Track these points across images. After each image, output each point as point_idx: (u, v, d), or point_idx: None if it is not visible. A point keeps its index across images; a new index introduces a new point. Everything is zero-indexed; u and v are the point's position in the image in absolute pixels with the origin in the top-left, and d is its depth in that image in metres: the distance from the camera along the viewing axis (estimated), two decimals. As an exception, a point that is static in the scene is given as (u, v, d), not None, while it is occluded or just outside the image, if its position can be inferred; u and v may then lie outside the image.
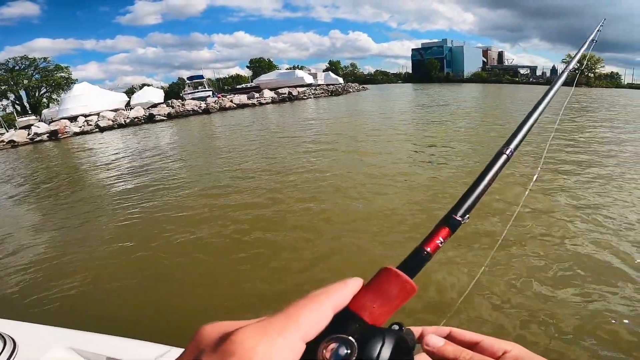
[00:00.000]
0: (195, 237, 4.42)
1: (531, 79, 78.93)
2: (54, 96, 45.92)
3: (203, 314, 2.88)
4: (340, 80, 60.15)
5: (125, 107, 32.69)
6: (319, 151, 8.96)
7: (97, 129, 24.64)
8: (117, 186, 7.73)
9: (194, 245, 4.23)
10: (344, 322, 0.25)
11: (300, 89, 37.76)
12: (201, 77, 43.49)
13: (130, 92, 43.77)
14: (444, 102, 23.41)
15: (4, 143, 23.30)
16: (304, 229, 4.38)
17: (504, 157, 0.41)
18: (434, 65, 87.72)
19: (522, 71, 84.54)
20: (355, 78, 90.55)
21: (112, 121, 25.69)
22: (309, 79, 44.75)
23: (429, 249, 0.32)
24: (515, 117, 13.25)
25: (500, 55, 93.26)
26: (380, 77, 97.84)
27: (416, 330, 0.34)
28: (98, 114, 27.45)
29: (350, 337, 0.24)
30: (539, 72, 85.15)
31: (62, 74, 47.94)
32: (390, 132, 11.59)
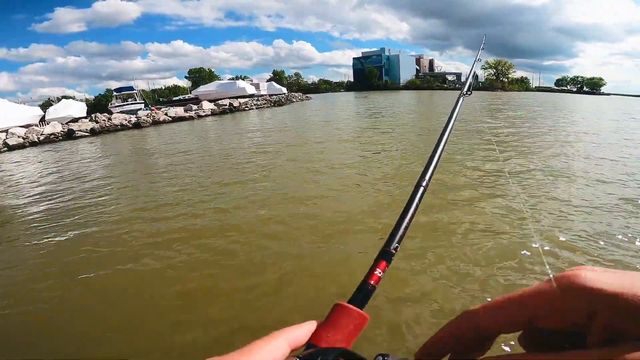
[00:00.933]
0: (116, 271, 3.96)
1: (457, 85, 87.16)
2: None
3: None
4: (284, 90, 60.40)
5: (40, 122, 29.14)
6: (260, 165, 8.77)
7: (5, 148, 21.56)
8: (28, 211, 6.70)
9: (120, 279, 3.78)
10: (304, 352, 0.29)
11: (242, 100, 37.08)
12: (131, 88, 40.45)
13: (47, 105, 39.09)
14: (381, 111, 24.69)
15: None
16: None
17: (421, 189, 0.46)
18: (373, 73, 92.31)
19: (449, 77, 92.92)
20: (300, 87, 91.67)
21: (23, 138, 22.67)
22: (251, 90, 44.19)
23: (372, 282, 0.35)
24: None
25: (431, 62, 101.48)
26: (324, 86, 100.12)
27: None
28: (6, 131, 24.05)
29: (294, 357, 0.27)
30: (463, 78, 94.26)
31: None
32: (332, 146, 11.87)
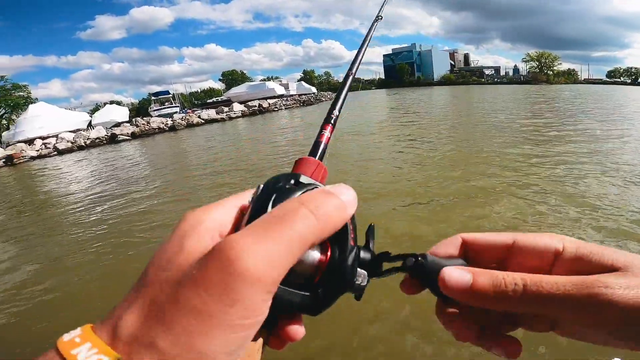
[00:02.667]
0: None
1: (496, 79, 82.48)
2: (14, 117, 43.57)
3: None
4: (313, 89, 60.57)
5: (88, 127, 31.46)
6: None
7: (55, 152, 23.52)
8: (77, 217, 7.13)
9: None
10: None
11: (271, 101, 37.62)
12: (167, 92, 42.50)
13: (96, 110, 42.13)
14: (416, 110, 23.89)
15: (-48, 172, 21.85)
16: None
17: (350, 78, 0.53)
18: (405, 70, 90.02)
19: (487, 72, 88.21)
20: (330, 86, 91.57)
21: (72, 143, 24.60)
22: (280, 90, 44.76)
23: (323, 141, 0.40)
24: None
25: (466, 57, 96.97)
26: (355, 85, 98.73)
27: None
28: (56, 136, 26.23)
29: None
30: (502, 72, 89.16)
31: (20, 94, 45.66)
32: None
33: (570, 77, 77.36)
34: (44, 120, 28.40)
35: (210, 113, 31.36)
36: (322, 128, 0.43)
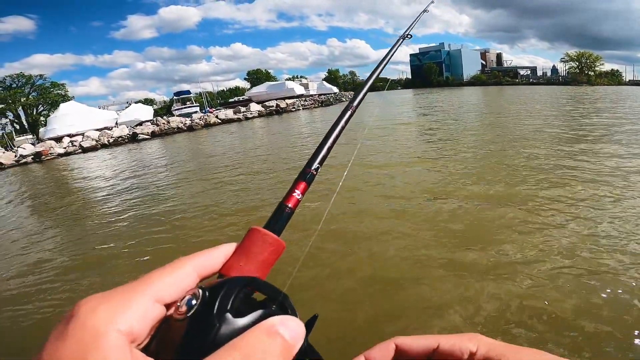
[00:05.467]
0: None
1: (532, 80, 77.90)
2: (51, 114, 46.66)
3: None
4: (335, 89, 60.08)
5: (116, 125, 32.94)
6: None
7: (80, 150, 24.77)
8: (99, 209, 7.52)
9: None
10: (210, 282, 0.26)
11: (289, 101, 37.61)
12: (188, 92, 43.72)
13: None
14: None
15: (-10, 165, 23.60)
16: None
17: (349, 112, 0.46)
18: (432, 69, 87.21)
19: (522, 72, 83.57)
20: (355, 86, 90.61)
21: (96, 141, 25.81)
22: (299, 90, 44.68)
23: (290, 205, 0.33)
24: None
25: (499, 57, 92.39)
26: (380, 84, 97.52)
27: None
28: (83, 134, 27.63)
29: (198, 288, 0.24)
30: (539, 72, 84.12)
31: (58, 91, 48.77)
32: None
33: (614, 78, 71.52)
34: (74, 118, 30.06)
35: (228, 113, 31.84)
36: (294, 187, 0.35)
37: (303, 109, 36.50)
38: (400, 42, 0.76)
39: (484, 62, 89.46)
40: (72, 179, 13.65)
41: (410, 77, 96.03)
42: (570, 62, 72.36)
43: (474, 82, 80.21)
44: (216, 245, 0.28)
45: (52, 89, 48.38)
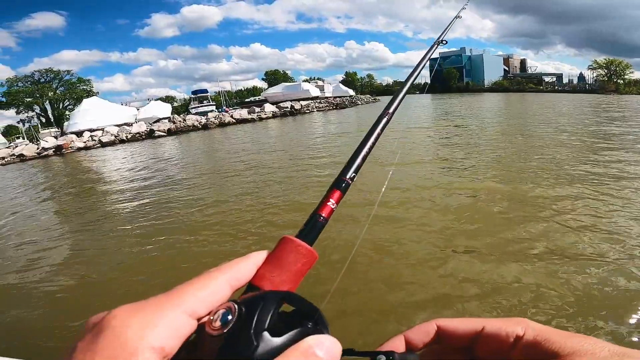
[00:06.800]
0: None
1: (557, 87, 75.14)
2: (76, 109, 48.42)
3: None
4: (351, 92, 59.79)
5: (135, 121, 33.86)
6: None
7: (99, 144, 25.54)
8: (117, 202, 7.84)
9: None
10: (245, 294, 0.25)
11: (304, 103, 37.64)
12: (205, 91, 44.39)
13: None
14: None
15: (14, 156, 24.64)
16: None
17: (385, 118, 0.44)
18: (453, 74, 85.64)
19: (547, 79, 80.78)
20: (373, 89, 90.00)
21: (115, 137, 26.56)
22: (315, 92, 44.67)
23: (323, 214, 0.32)
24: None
25: (523, 63, 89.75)
26: (397, 88, 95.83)
27: (395, 340, 0.30)
28: (103, 129, 28.50)
29: (232, 302, 0.23)
30: (565, 80, 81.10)
31: (84, 87, 50.60)
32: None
33: (645, 87, 68.17)
34: (95, 113, 31.09)
35: (242, 113, 32.18)
36: (328, 195, 0.34)
37: (317, 110, 36.45)
38: (435, 47, 0.76)
39: (506, 68, 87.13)
40: (92, 171, 14.09)
41: (429, 81, 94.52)
42: (599, 70, 69.46)
43: (496, 88, 78.13)
44: (247, 254, 0.28)
45: (78, 85, 50.24)
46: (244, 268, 0.27)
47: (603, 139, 9.53)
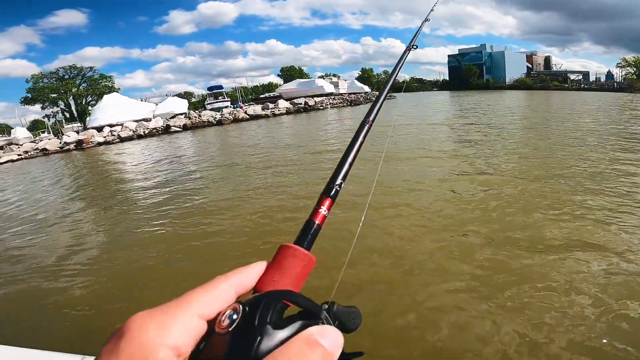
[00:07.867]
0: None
1: (583, 85, 71.93)
2: (97, 105, 49.98)
3: None
4: (366, 88, 59.12)
5: (153, 117, 34.63)
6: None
7: (118, 139, 26.25)
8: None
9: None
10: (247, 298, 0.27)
11: (318, 99, 37.48)
12: (220, 87, 44.74)
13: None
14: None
15: (38, 150, 25.67)
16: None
17: (366, 127, 0.45)
18: (472, 71, 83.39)
19: (572, 77, 77.45)
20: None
21: (133, 132, 27.22)
22: (329, 88, 44.37)
23: (317, 221, 0.34)
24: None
25: (547, 60, 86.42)
26: (415, 85, 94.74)
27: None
28: (122, 125, 29.26)
29: (237, 303, 0.25)
30: (592, 78, 77.56)
31: (106, 83, 52.18)
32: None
33: (678, 85, 64.32)
34: (115, 109, 31.93)
35: (256, 109, 32.33)
36: (319, 203, 0.35)
37: (331, 107, 36.23)
38: (407, 53, 0.77)
39: (529, 65, 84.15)
40: (110, 164, 14.54)
41: (447, 78, 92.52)
42: (628, 68, 66.11)
43: (518, 85, 75.52)
44: (250, 264, 0.30)
45: (100, 81, 51.85)
46: (247, 274, 0.29)
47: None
